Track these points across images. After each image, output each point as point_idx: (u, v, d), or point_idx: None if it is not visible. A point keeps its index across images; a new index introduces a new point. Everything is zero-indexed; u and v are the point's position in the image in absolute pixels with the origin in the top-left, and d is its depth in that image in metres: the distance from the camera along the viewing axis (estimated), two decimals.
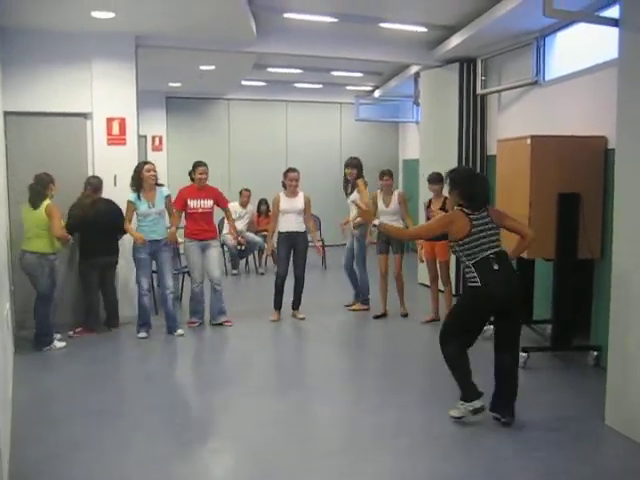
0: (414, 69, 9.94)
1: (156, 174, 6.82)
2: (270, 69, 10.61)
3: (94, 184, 6.83)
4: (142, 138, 10.24)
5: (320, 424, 4.80)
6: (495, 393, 4.53)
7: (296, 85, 12.35)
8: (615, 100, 4.45)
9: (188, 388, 5.80)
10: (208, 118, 13.16)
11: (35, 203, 6.21)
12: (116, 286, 7.12)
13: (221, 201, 7.41)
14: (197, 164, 7.21)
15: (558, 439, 4.32)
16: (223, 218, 8.03)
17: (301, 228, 7.47)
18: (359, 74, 11.32)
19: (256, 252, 10.87)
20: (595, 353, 5.71)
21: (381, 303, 7.70)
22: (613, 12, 5.26)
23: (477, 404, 4.47)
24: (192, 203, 7.12)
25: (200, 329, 7.23)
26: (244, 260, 10.90)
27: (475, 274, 4.33)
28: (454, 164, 8.33)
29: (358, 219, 7.57)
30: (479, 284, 4.31)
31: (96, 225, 6.70)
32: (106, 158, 7.15)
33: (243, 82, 11.79)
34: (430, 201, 7.23)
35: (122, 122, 7.20)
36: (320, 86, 12.43)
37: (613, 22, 4.58)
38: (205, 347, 6.94)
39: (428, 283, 7.64)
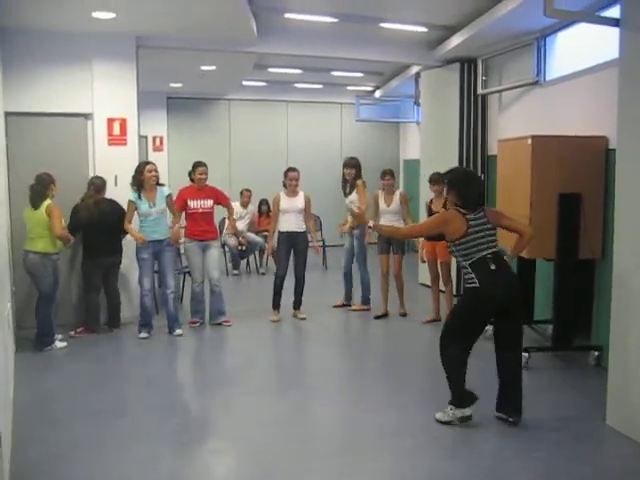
0: (415, 69, 9.94)
1: (157, 174, 6.83)
2: (271, 69, 10.62)
3: (97, 184, 6.83)
4: (143, 138, 10.23)
5: (320, 424, 4.79)
6: (500, 394, 4.53)
7: (297, 85, 12.36)
8: (616, 100, 4.45)
9: (188, 388, 5.80)
10: (209, 118, 13.16)
11: (35, 203, 6.22)
12: (119, 286, 7.11)
13: (222, 199, 7.41)
14: (196, 164, 7.22)
15: (559, 439, 4.32)
16: (224, 218, 8.03)
17: (301, 228, 7.48)
18: (359, 74, 11.32)
19: (257, 252, 10.87)
20: (596, 353, 5.71)
21: (382, 303, 7.70)
22: (614, 12, 5.25)
23: (467, 412, 4.46)
24: (192, 203, 7.12)
25: (200, 329, 7.23)
26: (245, 260, 10.90)
27: (473, 275, 4.32)
28: (455, 164, 8.32)
29: (348, 225, 7.62)
30: (477, 285, 4.31)
31: (99, 225, 6.70)
32: (107, 158, 7.15)
33: (244, 82, 11.80)
34: (431, 201, 7.22)
35: (123, 122, 7.21)
36: (321, 86, 12.43)
37: (614, 22, 4.58)
38: (205, 347, 6.94)
39: (429, 283, 7.64)
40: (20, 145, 6.79)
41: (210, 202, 7.18)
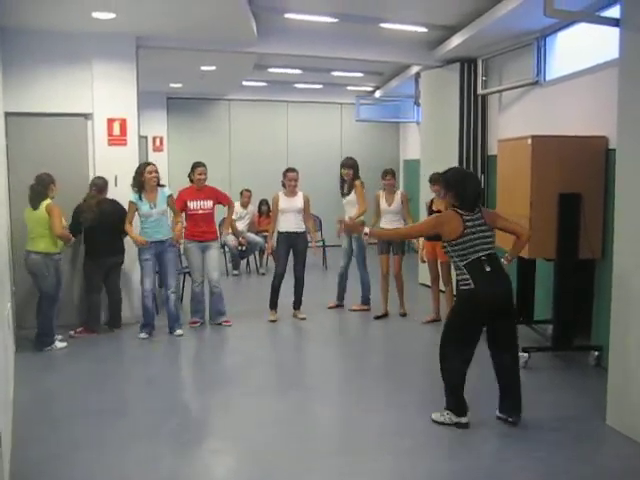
0: (415, 69, 9.94)
1: (158, 175, 6.83)
2: (271, 69, 10.62)
3: (99, 185, 6.83)
4: (143, 139, 10.24)
5: (320, 424, 4.79)
6: (500, 395, 4.53)
7: (297, 85, 12.36)
8: (616, 100, 4.45)
9: (188, 388, 5.81)
10: (209, 119, 13.17)
11: (35, 203, 6.22)
12: (120, 287, 7.12)
13: (222, 199, 7.41)
14: (196, 165, 7.22)
15: (559, 439, 4.32)
16: (224, 219, 8.03)
17: (300, 228, 7.48)
18: (360, 74, 11.32)
19: (257, 252, 10.87)
20: (596, 353, 5.71)
21: (382, 303, 7.70)
22: (614, 12, 5.25)
23: (464, 420, 4.47)
24: (192, 204, 7.12)
25: (201, 329, 7.23)
26: (245, 260, 10.90)
27: (467, 276, 4.31)
28: (455, 164, 8.32)
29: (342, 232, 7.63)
30: (472, 286, 4.30)
31: (101, 225, 6.71)
32: (107, 159, 7.15)
33: (244, 82, 11.80)
34: (432, 201, 7.23)
35: (123, 123, 7.20)
36: (321, 86, 12.44)
37: (614, 22, 4.58)
38: (205, 347, 6.94)
39: (429, 283, 7.64)
40: (20, 145, 6.79)
41: (210, 203, 7.18)
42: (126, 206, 6.83)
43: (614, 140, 4.96)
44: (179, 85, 11.66)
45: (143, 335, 6.77)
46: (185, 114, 12.95)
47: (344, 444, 4.41)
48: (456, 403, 4.48)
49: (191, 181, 7.23)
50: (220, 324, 7.30)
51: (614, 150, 4.75)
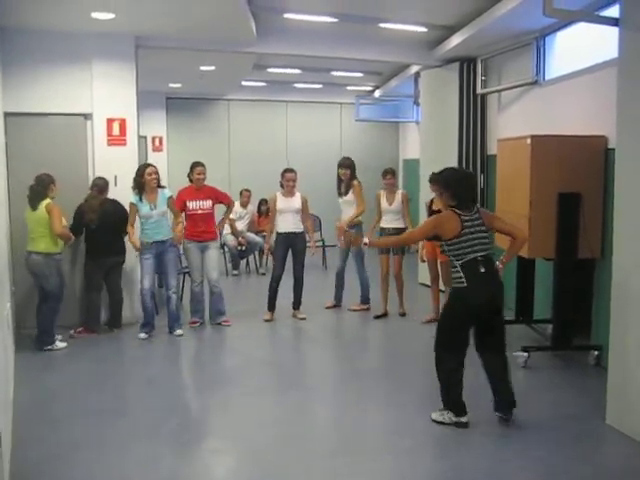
0: (414, 69, 9.94)
1: (158, 177, 6.82)
2: (270, 69, 10.61)
3: (100, 185, 6.84)
4: (142, 139, 10.23)
5: (319, 424, 4.80)
6: (495, 395, 4.53)
7: (296, 85, 12.35)
8: (615, 100, 4.45)
9: (188, 388, 5.80)
10: (208, 119, 13.16)
11: (34, 204, 6.23)
12: (122, 286, 7.12)
13: (222, 198, 7.41)
14: (194, 165, 7.22)
15: (558, 438, 4.32)
16: (223, 218, 8.03)
17: (298, 228, 7.48)
18: (359, 74, 11.32)
19: (257, 252, 10.87)
20: (596, 352, 5.71)
21: (382, 303, 7.71)
22: (613, 11, 5.26)
23: (464, 419, 4.47)
24: (191, 204, 7.12)
25: (200, 329, 7.23)
26: (245, 260, 10.90)
27: (461, 274, 4.33)
28: (454, 164, 8.34)
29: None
30: (465, 285, 4.32)
31: (103, 226, 6.72)
32: (106, 159, 7.15)
33: (243, 82, 11.80)
34: (432, 201, 7.23)
35: (122, 123, 7.20)
36: (320, 86, 12.43)
37: (613, 21, 4.58)
38: (205, 347, 6.95)
39: (429, 283, 7.64)
40: (19, 145, 6.79)
41: (209, 203, 7.18)
42: (126, 206, 6.84)
43: (613, 139, 4.96)
44: (178, 85, 11.66)
45: (142, 335, 6.77)
46: (184, 114, 12.94)
47: (343, 444, 4.41)
48: (455, 403, 4.49)
49: (190, 181, 7.23)
50: (220, 324, 7.30)
51: (613, 149, 4.76)
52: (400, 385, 5.46)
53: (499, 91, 8.17)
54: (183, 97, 12.73)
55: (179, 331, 6.92)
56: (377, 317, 7.64)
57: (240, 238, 10.45)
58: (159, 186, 6.87)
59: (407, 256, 7.94)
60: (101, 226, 6.70)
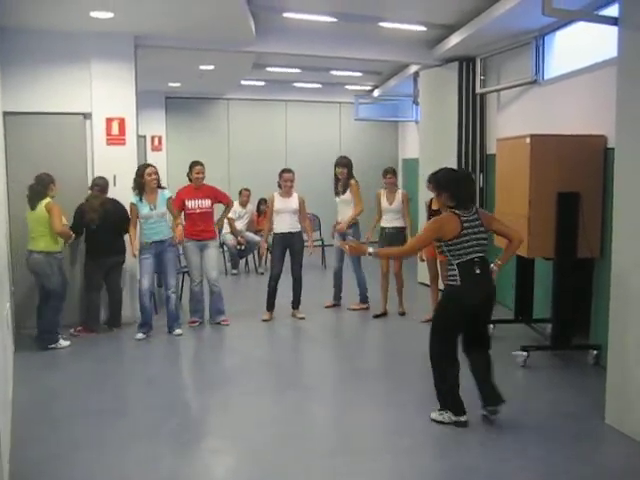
0: (413, 68, 9.93)
1: (157, 177, 6.82)
2: (269, 69, 10.61)
3: (102, 185, 6.84)
4: (141, 138, 10.24)
5: (319, 424, 4.80)
6: (482, 393, 4.53)
7: (295, 85, 12.35)
8: (614, 99, 4.45)
9: (188, 388, 5.80)
10: (207, 118, 13.16)
11: (33, 203, 6.23)
12: (122, 286, 7.12)
13: (221, 197, 7.41)
14: (193, 164, 7.22)
15: (558, 438, 4.32)
16: (221, 215, 8.03)
17: (295, 228, 7.47)
18: (358, 73, 11.31)
19: (256, 252, 10.86)
20: (595, 352, 5.71)
21: (381, 302, 7.71)
22: (612, 11, 5.26)
23: (463, 418, 4.48)
24: (190, 203, 7.12)
25: (200, 328, 7.23)
26: (244, 260, 10.91)
27: (456, 272, 4.33)
28: (454, 163, 8.35)
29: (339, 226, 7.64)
30: (458, 283, 4.33)
31: (104, 225, 6.72)
32: (105, 158, 7.15)
33: (242, 82, 11.79)
34: (431, 200, 7.22)
35: (121, 122, 7.20)
36: (319, 86, 12.43)
37: (612, 21, 4.58)
38: (204, 347, 6.95)
39: (428, 282, 7.65)
40: (19, 145, 6.79)
41: (208, 202, 7.18)
42: (126, 206, 6.84)
43: (613, 139, 4.96)
44: (178, 84, 11.65)
45: (140, 335, 6.75)
46: (184, 113, 12.94)
47: (343, 443, 4.41)
48: (453, 402, 4.49)
49: (190, 180, 7.23)
50: (219, 323, 7.31)
51: (613, 149, 4.76)
52: (399, 384, 5.47)
53: (498, 90, 8.17)
54: (182, 96, 12.73)
55: (178, 331, 6.92)
56: (376, 316, 7.65)
57: (239, 237, 10.45)
58: (159, 187, 6.87)
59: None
60: (101, 226, 6.71)
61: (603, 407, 4.55)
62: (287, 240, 7.44)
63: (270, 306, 7.53)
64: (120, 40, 7.10)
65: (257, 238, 10.57)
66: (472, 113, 8.65)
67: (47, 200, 6.23)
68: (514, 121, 7.80)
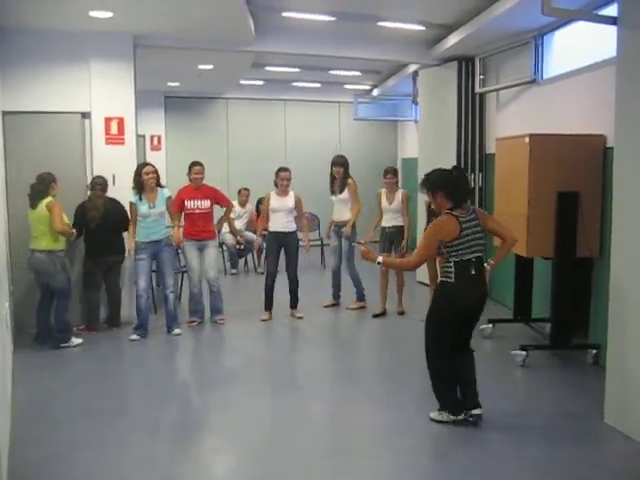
0: (412, 68, 9.94)
1: (155, 176, 6.80)
2: (268, 68, 10.60)
3: (102, 184, 6.84)
4: (141, 138, 10.21)
5: (319, 423, 4.80)
6: (465, 396, 4.50)
7: (294, 84, 12.34)
8: (613, 98, 4.46)
9: (187, 388, 5.80)
10: (207, 117, 13.15)
11: (34, 202, 6.23)
12: (121, 286, 7.12)
13: (220, 199, 7.41)
14: (192, 164, 7.22)
15: (557, 437, 4.33)
16: (222, 218, 8.04)
17: (289, 228, 7.46)
18: (357, 73, 11.31)
19: (255, 251, 10.86)
20: (594, 351, 5.71)
21: (381, 302, 7.71)
22: (611, 10, 5.26)
23: (461, 417, 4.48)
24: (189, 204, 7.11)
25: (199, 328, 7.23)
26: (243, 259, 10.91)
27: (452, 270, 4.32)
28: (453, 163, 8.33)
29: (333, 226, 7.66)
30: (452, 280, 4.32)
31: (104, 224, 6.72)
32: (105, 157, 7.14)
33: (241, 81, 11.79)
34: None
35: (120, 122, 7.19)
36: (318, 85, 12.42)
37: (611, 20, 4.58)
38: (204, 346, 6.95)
39: (427, 281, 7.64)
40: (18, 144, 6.77)
41: (207, 203, 7.17)
42: (125, 205, 6.83)
43: (612, 138, 4.96)
44: (177, 84, 11.64)
45: (134, 337, 6.72)
46: (183, 113, 12.93)
47: (343, 443, 4.42)
48: (450, 401, 4.50)
49: (190, 180, 7.23)
50: (216, 322, 7.31)
51: (612, 148, 4.77)
52: (399, 384, 5.47)
53: (497, 90, 8.17)
54: (181, 96, 12.72)
55: (177, 330, 6.91)
56: (376, 316, 7.65)
57: (238, 237, 10.44)
58: (159, 185, 6.86)
59: (408, 254, 7.92)
60: (101, 225, 6.71)
61: (602, 406, 4.55)
62: (281, 239, 7.43)
63: (268, 306, 7.53)
64: (119, 40, 7.09)
65: (259, 239, 10.55)
66: (471, 113, 8.65)
67: (48, 199, 6.23)
68: (513, 121, 7.80)
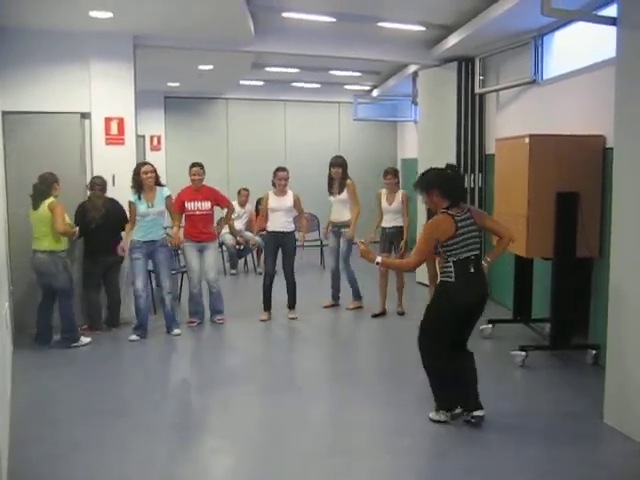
0: (412, 68, 9.94)
1: (154, 175, 6.79)
2: (268, 68, 10.61)
3: (102, 184, 6.84)
4: (140, 138, 10.23)
5: (317, 424, 4.80)
6: (467, 397, 4.50)
7: (294, 84, 12.35)
8: (613, 99, 4.46)
9: (187, 388, 5.80)
10: (206, 118, 13.16)
11: (36, 203, 6.23)
12: (120, 286, 7.12)
13: (221, 201, 7.41)
14: (191, 165, 7.23)
15: (557, 438, 4.33)
16: (221, 218, 8.04)
17: (287, 228, 7.45)
18: (357, 73, 11.31)
19: (254, 252, 10.87)
20: (594, 352, 5.72)
21: (380, 302, 7.72)
22: (611, 11, 5.26)
23: (457, 411, 4.49)
24: (189, 205, 7.12)
25: (198, 329, 7.23)
26: (243, 260, 10.91)
27: (452, 269, 4.31)
28: (453, 163, 8.33)
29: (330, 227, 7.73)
30: (452, 280, 4.31)
31: (104, 225, 6.72)
32: (104, 158, 7.14)
33: (241, 82, 11.79)
34: None
35: (120, 122, 7.20)
36: (318, 85, 12.43)
37: (611, 21, 4.58)
38: (203, 347, 6.95)
39: (427, 282, 7.65)
40: (17, 144, 6.78)
41: (207, 204, 7.16)
42: (124, 205, 6.84)
43: (611, 139, 4.97)
44: (177, 84, 11.65)
45: (134, 337, 6.72)
46: (183, 113, 12.93)
47: (342, 443, 4.42)
48: (447, 399, 4.50)
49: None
50: (215, 322, 7.32)
51: (611, 149, 4.77)
52: (399, 384, 5.47)
53: (497, 90, 8.17)
54: (181, 96, 12.72)
55: (177, 331, 6.91)
56: (375, 316, 7.65)
57: (238, 237, 10.45)
58: (158, 184, 6.86)
59: (407, 254, 7.93)
60: (101, 225, 6.71)
61: (602, 407, 4.55)
62: (279, 239, 7.43)
63: (266, 306, 7.53)
64: (119, 40, 7.10)
65: (256, 238, 10.57)
66: (471, 113, 8.65)
67: (50, 200, 6.23)
68: (513, 121, 7.81)
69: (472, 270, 4.33)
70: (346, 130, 13.62)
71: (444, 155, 8.50)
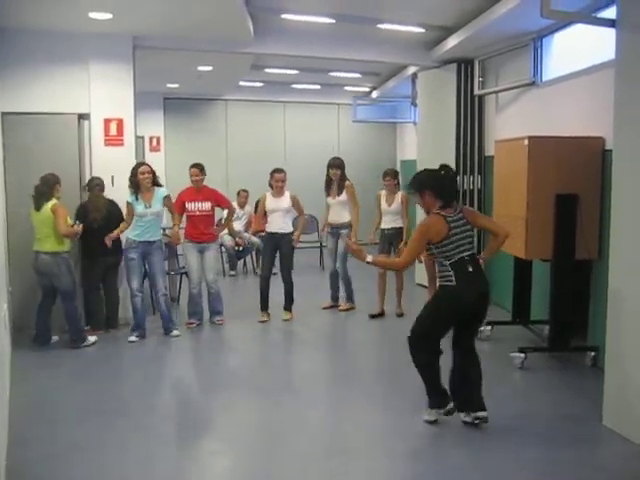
0: (412, 70, 9.94)
1: (151, 175, 6.77)
2: (268, 70, 10.61)
3: (101, 185, 6.84)
4: (140, 139, 10.22)
5: (315, 426, 4.79)
6: (470, 398, 4.49)
7: (294, 86, 12.34)
8: (612, 101, 4.46)
9: (187, 389, 5.80)
10: (206, 119, 13.15)
11: (38, 205, 6.22)
12: (118, 287, 7.11)
13: (221, 201, 7.41)
14: (190, 166, 7.22)
15: (556, 440, 4.33)
16: (221, 219, 8.03)
17: (285, 229, 7.45)
18: (357, 75, 11.32)
19: (254, 253, 10.87)
20: (592, 354, 5.72)
21: (378, 302, 7.71)
22: (610, 13, 5.26)
23: (450, 406, 4.49)
24: (189, 206, 7.12)
25: (197, 330, 7.23)
26: (242, 261, 10.90)
27: (451, 272, 4.31)
28: (452, 165, 8.33)
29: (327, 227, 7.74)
30: (454, 283, 4.31)
31: (104, 225, 6.72)
32: (104, 159, 7.15)
33: (241, 83, 11.79)
34: None
35: (120, 123, 7.20)
36: (318, 87, 12.42)
37: (610, 23, 4.58)
38: (202, 348, 6.94)
39: (426, 283, 7.65)
40: (17, 145, 6.78)
41: (208, 205, 7.16)
42: (122, 206, 6.83)
43: (611, 141, 4.97)
44: (176, 85, 11.65)
45: (133, 338, 6.71)
46: (182, 114, 12.92)
47: (341, 445, 4.41)
48: (437, 395, 4.50)
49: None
50: (214, 322, 7.31)
51: (611, 151, 4.77)
52: (398, 386, 5.46)
53: (497, 92, 8.18)
54: (181, 97, 12.72)
55: (176, 332, 6.90)
56: (373, 316, 7.65)
57: (237, 238, 10.45)
58: (156, 185, 6.85)
59: None
60: (102, 226, 6.70)
61: (601, 409, 4.55)
62: (276, 240, 7.43)
63: (264, 307, 7.52)
64: (118, 41, 7.10)
65: (255, 239, 10.57)
66: (470, 115, 8.66)
67: (53, 202, 6.21)
68: (512, 123, 7.81)
69: (470, 269, 4.32)
70: (345, 131, 13.62)
71: (443, 156, 8.48)
